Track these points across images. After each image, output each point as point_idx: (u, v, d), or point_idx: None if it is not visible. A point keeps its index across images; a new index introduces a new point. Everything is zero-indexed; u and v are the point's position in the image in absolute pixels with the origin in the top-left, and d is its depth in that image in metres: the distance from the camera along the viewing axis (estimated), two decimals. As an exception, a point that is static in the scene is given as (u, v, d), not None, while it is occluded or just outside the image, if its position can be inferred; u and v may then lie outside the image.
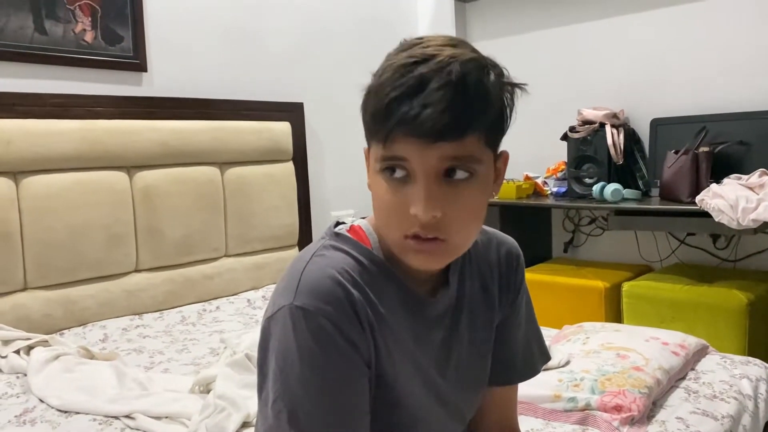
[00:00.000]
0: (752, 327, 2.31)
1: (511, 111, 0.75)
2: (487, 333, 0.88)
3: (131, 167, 2.36)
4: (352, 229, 0.81)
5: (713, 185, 2.44)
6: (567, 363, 1.57)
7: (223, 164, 2.63)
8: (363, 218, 0.84)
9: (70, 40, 2.30)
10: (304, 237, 2.94)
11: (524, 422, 1.39)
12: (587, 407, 1.39)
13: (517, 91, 0.76)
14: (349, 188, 3.18)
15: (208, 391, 1.56)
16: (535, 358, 0.95)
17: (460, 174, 0.71)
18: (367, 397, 0.74)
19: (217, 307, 2.46)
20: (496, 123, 0.73)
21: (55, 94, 2.23)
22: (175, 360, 1.92)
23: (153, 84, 2.53)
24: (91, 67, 2.35)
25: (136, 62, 2.46)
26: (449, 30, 3.46)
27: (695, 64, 2.81)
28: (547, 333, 2.01)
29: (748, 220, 2.24)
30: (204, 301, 2.51)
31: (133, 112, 2.40)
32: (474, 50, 0.74)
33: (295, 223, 2.88)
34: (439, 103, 0.67)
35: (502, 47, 3.39)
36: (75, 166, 2.22)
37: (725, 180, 2.49)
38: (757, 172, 2.44)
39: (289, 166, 2.88)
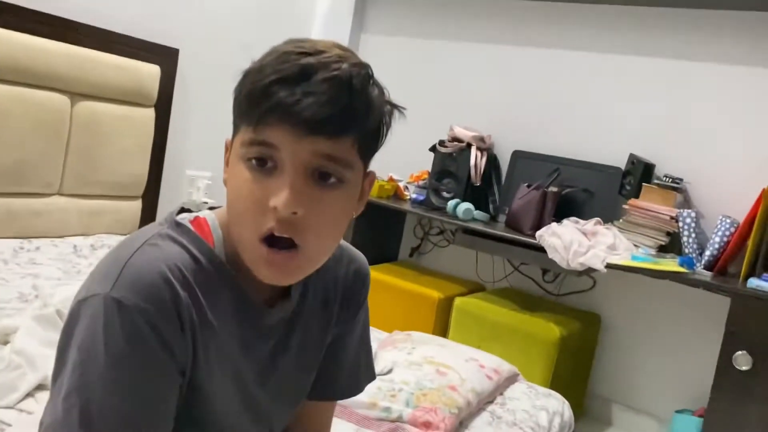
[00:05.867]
0: (559, 360, 2.52)
1: (387, 130, 0.75)
2: (317, 350, 0.86)
3: (-34, 75, 2.09)
4: (196, 221, 0.75)
5: (554, 224, 2.62)
6: (390, 371, 1.60)
7: (76, 95, 2.41)
8: (212, 209, 0.79)
9: None
10: (151, 190, 2.78)
11: (337, 425, 1.39)
12: (399, 419, 1.43)
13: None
14: (210, 148, 3.02)
15: (6, 343, 1.41)
16: (361, 377, 0.95)
17: (330, 178, 0.69)
18: (173, 405, 0.69)
19: (38, 248, 2.25)
20: (373, 135, 0.72)
21: None
22: (-25, 299, 1.72)
23: (11, -12, 2.26)
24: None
25: (-5, -41, 2.18)
26: (347, 13, 3.42)
27: (563, 107, 2.99)
28: (377, 335, 2.05)
29: (576, 262, 2.43)
30: (23, 238, 2.29)
31: (-20, 14, 2.12)
32: (362, 61, 0.72)
33: (143, 174, 2.70)
34: (322, 95, 0.65)
35: (394, 46, 3.41)
36: None
37: (564, 221, 2.68)
38: (593, 221, 2.65)
39: (150, 113, 2.69)
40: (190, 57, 2.86)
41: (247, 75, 0.69)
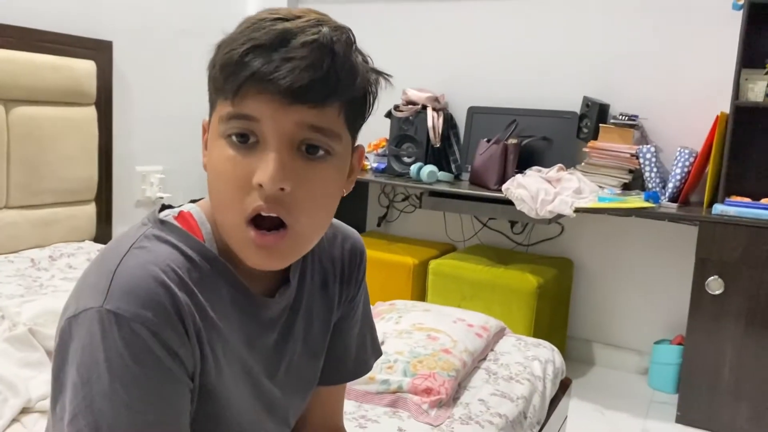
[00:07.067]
0: (538, 308, 2.54)
1: (374, 99, 0.70)
2: (323, 334, 0.83)
3: None
4: (180, 216, 0.70)
5: (518, 175, 2.62)
6: (381, 343, 1.58)
7: (10, 101, 2.27)
8: (194, 201, 0.74)
9: None
10: (103, 192, 2.66)
11: (337, 405, 1.38)
12: (399, 389, 1.41)
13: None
14: (158, 142, 2.92)
15: (-22, 371, 1.34)
16: (368, 356, 0.92)
17: (318, 151, 0.64)
18: (187, 412, 0.65)
19: (-7, 266, 2.14)
20: (359, 103, 0.68)
21: None
22: (-65, 329, 1.62)
23: None
24: None
25: None
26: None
27: (512, 58, 2.98)
28: (360, 309, 2.03)
29: (545, 211, 2.45)
30: (-25, 258, 2.17)
31: None
32: (343, 25, 0.68)
33: (93, 176, 2.58)
34: (302, 60, 0.61)
35: (334, 13, 3.30)
36: None
37: (528, 171, 2.69)
38: (556, 167, 2.67)
39: (91, 111, 2.57)
40: (124, 48, 2.72)
41: (220, 47, 0.64)
